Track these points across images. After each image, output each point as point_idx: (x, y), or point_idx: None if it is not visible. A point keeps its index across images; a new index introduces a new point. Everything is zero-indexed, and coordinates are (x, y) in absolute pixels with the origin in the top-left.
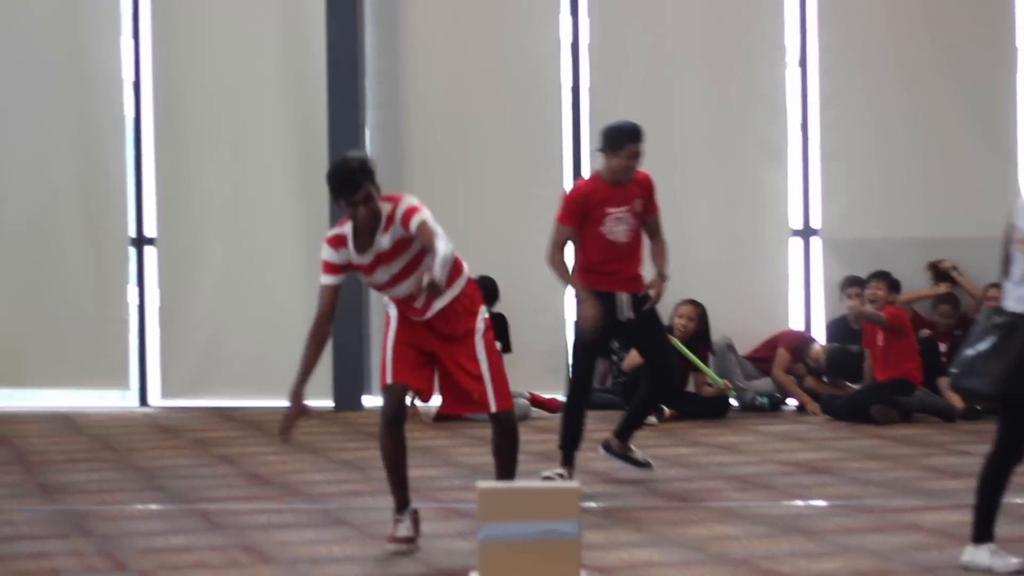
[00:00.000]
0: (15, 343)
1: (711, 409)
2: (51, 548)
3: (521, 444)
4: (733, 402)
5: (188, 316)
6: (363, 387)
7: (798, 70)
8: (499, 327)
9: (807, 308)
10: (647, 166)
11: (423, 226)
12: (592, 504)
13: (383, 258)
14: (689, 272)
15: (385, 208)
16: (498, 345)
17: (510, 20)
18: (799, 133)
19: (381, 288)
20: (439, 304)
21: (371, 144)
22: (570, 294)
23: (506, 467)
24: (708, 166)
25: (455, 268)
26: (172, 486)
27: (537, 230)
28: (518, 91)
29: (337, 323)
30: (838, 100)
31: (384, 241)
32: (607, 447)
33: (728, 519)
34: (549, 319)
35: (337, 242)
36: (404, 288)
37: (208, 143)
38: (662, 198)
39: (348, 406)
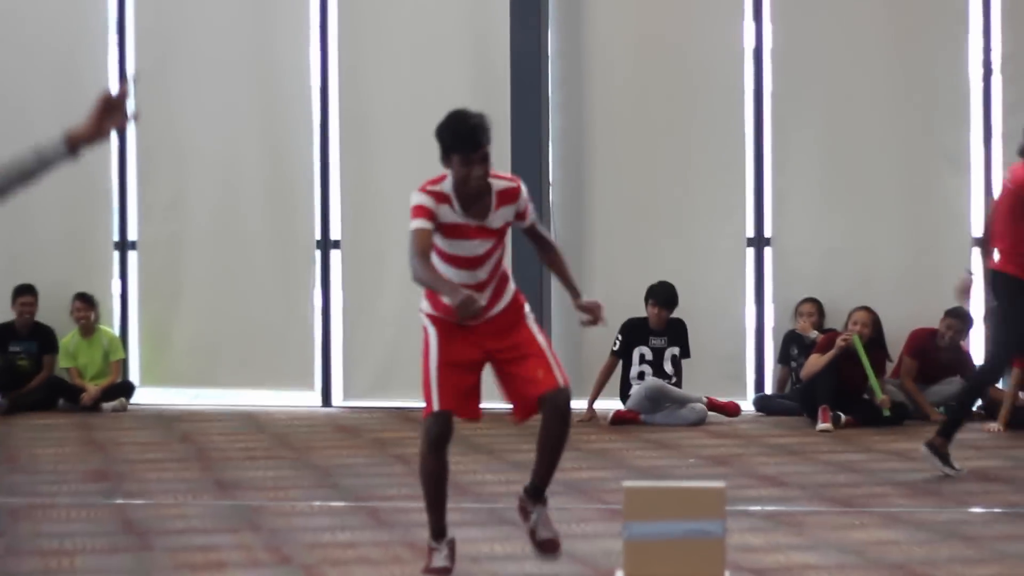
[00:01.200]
0: (205, 344)
1: (888, 416)
2: (219, 541)
3: (698, 448)
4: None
5: (371, 319)
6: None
7: (982, 77)
8: (678, 332)
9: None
10: (826, 174)
11: (544, 229)
12: (757, 507)
13: (486, 233)
14: (873, 277)
15: (499, 183)
16: (676, 350)
17: (693, 26)
18: (982, 140)
19: (454, 261)
20: (496, 309)
21: (553, 150)
22: (749, 298)
23: (553, 460)
24: (891, 171)
25: (503, 277)
26: (345, 484)
27: (720, 235)
28: (701, 97)
29: None
30: (1022, 107)
31: (497, 217)
32: (930, 445)
33: (891, 524)
34: (729, 324)
35: (438, 197)
36: (469, 276)
37: (393, 148)
38: (845, 203)
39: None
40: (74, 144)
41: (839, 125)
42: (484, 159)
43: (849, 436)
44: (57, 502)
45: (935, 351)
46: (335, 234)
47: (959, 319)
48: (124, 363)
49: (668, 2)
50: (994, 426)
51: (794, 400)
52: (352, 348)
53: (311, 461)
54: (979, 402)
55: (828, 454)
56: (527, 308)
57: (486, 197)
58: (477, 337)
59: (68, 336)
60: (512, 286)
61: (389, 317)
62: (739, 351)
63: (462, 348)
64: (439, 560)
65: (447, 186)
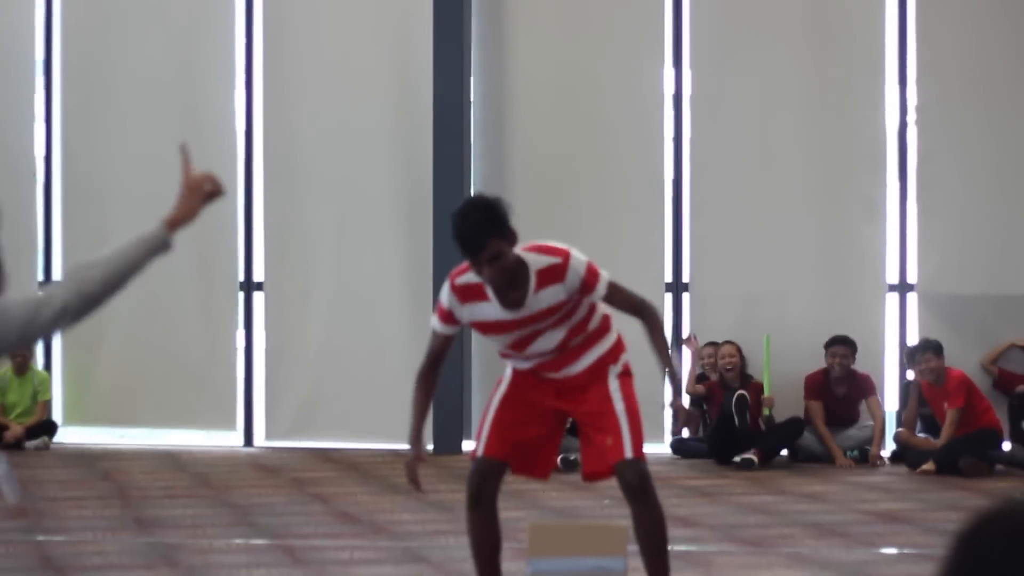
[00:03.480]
0: (128, 384)
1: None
2: None
3: (613, 489)
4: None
5: (294, 359)
6: (463, 431)
7: (897, 127)
8: None
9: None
10: (744, 219)
11: (630, 298)
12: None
13: (531, 320)
14: (787, 325)
15: (539, 261)
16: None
17: (614, 72)
18: (897, 187)
19: (512, 348)
20: (578, 367)
21: (475, 189)
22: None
23: (651, 553)
24: (808, 217)
25: (589, 338)
26: (262, 522)
27: (640, 280)
28: (621, 142)
29: None
30: (936, 155)
31: (540, 302)
32: None
33: (797, 564)
34: (647, 367)
35: (467, 292)
36: (538, 356)
37: (317, 190)
38: (763, 248)
39: (447, 449)
40: (173, 227)
41: (758, 171)
42: (495, 257)
43: (763, 479)
44: None
45: (832, 385)
46: (258, 275)
47: (843, 344)
48: (48, 402)
49: (589, 49)
50: (928, 467)
51: (707, 443)
52: (274, 388)
53: (230, 500)
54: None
55: (741, 495)
56: (618, 363)
57: (523, 282)
58: (552, 391)
59: (0, 371)
60: (604, 344)
61: (311, 358)
62: (657, 394)
63: (534, 395)
64: None
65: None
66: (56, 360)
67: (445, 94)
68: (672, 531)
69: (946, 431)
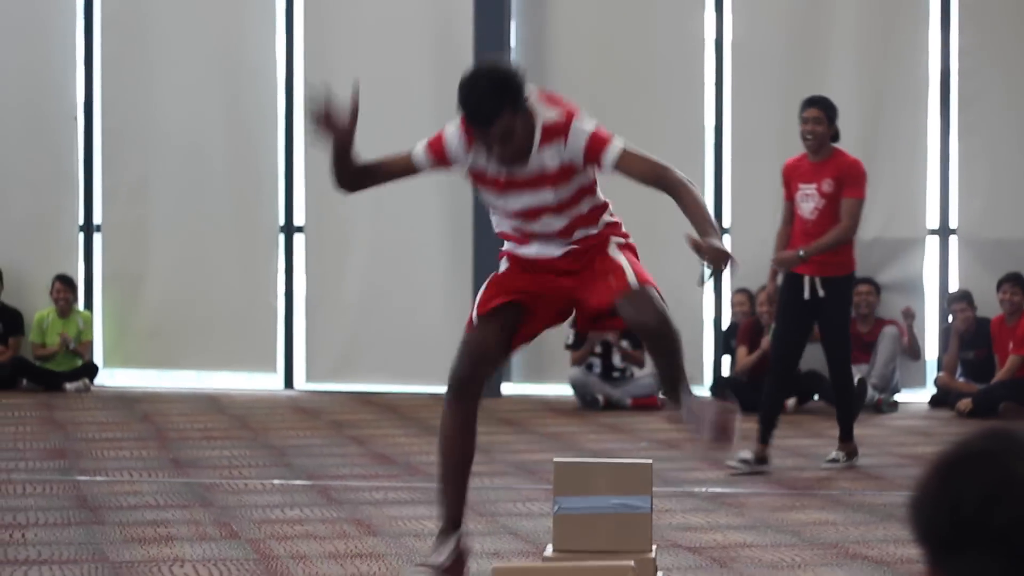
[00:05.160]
0: (169, 327)
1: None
2: (170, 517)
3: (652, 432)
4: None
5: (334, 303)
6: (503, 374)
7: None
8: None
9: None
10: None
11: (650, 165)
12: (702, 489)
13: (535, 182)
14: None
15: (547, 114)
16: (626, 343)
17: (654, 16)
18: (939, 131)
19: (511, 216)
20: (575, 239)
21: None
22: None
23: (664, 357)
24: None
25: (589, 219)
26: (298, 463)
27: (679, 227)
28: (661, 88)
29: None
30: (982, 97)
31: (544, 160)
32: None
33: (830, 506)
34: (686, 313)
35: (470, 135)
36: (543, 225)
37: (359, 133)
38: None
39: (488, 393)
40: None
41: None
42: (507, 135)
43: (801, 421)
44: (13, 478)
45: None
46: (299, 220)
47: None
48: (90, 343)
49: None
50: (965, 403)
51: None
52: (314, 332)
53: (267, 442)
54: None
55: (778, 439)
56: (616, 240)
57: (527, 137)
58: (552, 274)
59: (43, 312)
60: (599, 225)
61: (351, 302)
62: (696, 339)
63: (534, 275)
64: (438, 556)
65: None
66: (96, 303)
67: (486, 39)
68: (706, 473)
69: (1003, 374)
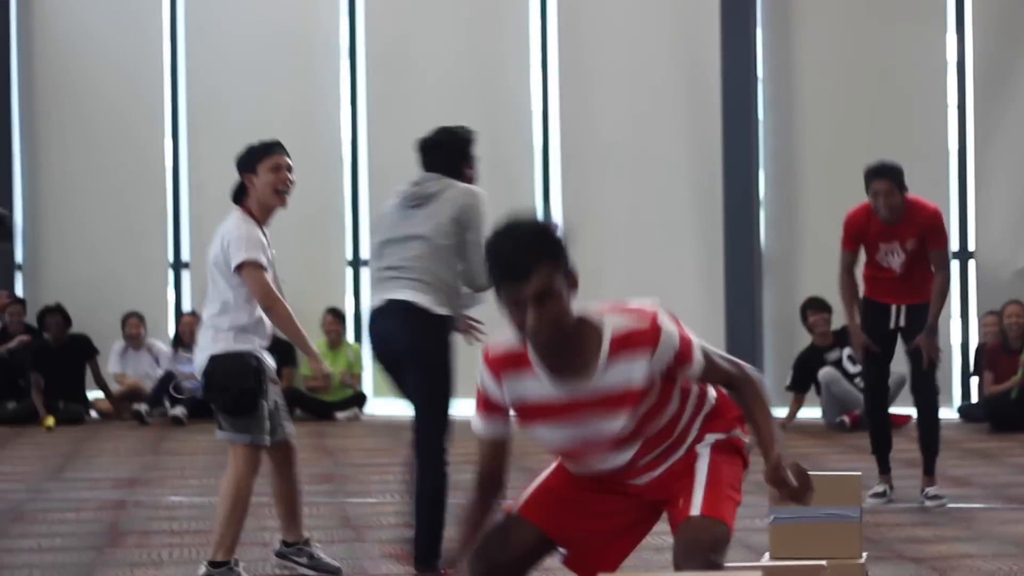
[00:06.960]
0: None
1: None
2: None
3: (896, 452)
4: None
5: None
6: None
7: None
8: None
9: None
10: None
11: (723, 373)
12: (930, 503)
13: (590, 406)
14: None
15: (618, 323)
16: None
17: (897, 44)
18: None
19: (568, 458)
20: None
21: (764, 169)
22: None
23: None
24: None
25: (679, 437)
26: None
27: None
28: (905, 112)
29: None
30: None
31: (612, 377)
32: None
33: None
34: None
35: (505, 362)
36: (602, 463)
37: (611, 169)
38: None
39: None
40: None
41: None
42: (544, 295)
43: None
44: None
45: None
46: None
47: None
48: (359, 376)
49: (873, 22)
50: None
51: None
52: None
53: (524, 464)
54: None
55: (1020, 457)
56: (720, 433)
57: (586, 346)
58: (624, 496)
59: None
60: (689, 438)
61: None
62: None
63: (599, 498)
64: None
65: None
66: (365, 334)
67: (734, 73)
68: (942, 490)
69: None
